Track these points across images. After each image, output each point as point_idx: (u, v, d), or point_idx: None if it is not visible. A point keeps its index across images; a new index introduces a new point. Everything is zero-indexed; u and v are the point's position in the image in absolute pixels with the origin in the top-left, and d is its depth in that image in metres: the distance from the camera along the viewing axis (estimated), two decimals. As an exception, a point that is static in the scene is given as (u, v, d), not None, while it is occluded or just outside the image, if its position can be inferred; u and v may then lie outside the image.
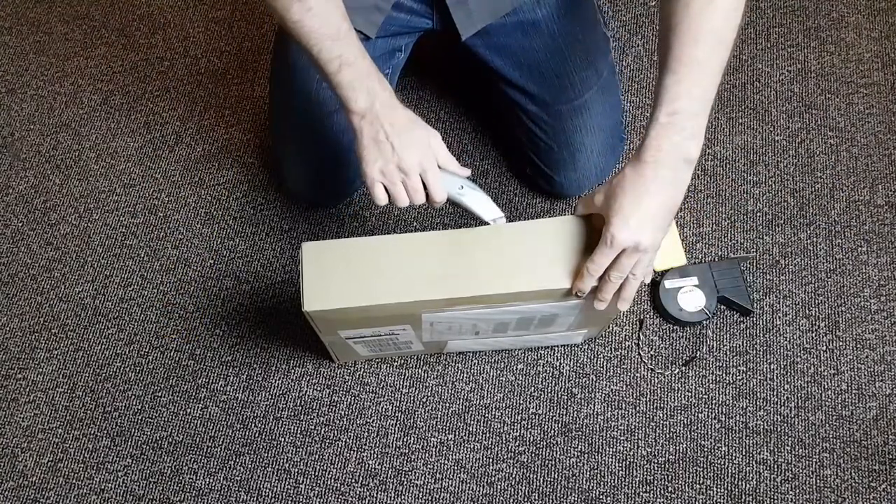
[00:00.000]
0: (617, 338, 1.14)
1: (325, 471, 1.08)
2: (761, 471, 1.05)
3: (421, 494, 1.06)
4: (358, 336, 0.95)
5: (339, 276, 0.83)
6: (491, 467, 1.07)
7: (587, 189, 1.17)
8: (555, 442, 1.08)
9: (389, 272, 0.83)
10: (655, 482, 1.05)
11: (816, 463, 1.05)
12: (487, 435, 1.09)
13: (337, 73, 0.84)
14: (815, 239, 1.18)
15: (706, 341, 1.13)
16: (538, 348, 1.12)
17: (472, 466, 1.07)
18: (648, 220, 0.76)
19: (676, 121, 0.75)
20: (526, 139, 1.16)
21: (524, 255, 0.83)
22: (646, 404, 1.09)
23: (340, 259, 0.83)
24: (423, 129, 0.87)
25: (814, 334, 1.12)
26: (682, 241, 1.19)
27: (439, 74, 1.33)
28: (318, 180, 1.15)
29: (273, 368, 1.14)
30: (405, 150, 0.84)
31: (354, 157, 1.13)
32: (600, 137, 1.11)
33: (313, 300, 0.82)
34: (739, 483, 1.05)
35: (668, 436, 1.07)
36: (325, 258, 0.83)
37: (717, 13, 0.75)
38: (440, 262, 0.83)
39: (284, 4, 0.82)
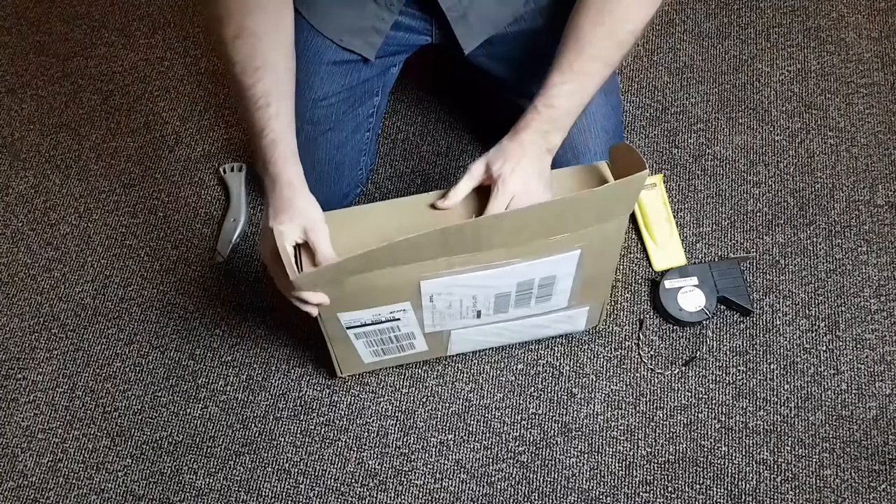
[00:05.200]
0: (617, 338, 1.14)
1: (325, 471, 1.08)
2: (761, 471, 1.05)
3: (421, 494, 1.06)
4: (358, 323, 0.95)
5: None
6: (491, 467, 1.07)
7: None
8: (555, 442, 1.08)
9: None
10: (655, 482, 1.05)
11: (816, 463, 1.05)
12: (487, 435, 1.09)
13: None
14: (814, 239, 1.18)
15: (706, 341, 1.13)
16: (538, 347, 1.12)
17: (472, 466, 1.07)
18: (522, 167, 0.88)
19: (552, 114, 0.88)
20: None
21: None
22: (646, 404, 1.09)
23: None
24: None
25: (814, 334, 1.12)
26: (682, 241, 1.19)
27: (438, 75, 1.33)
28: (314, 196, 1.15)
29: (273, 368, 1.14)
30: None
31: (348, 171, 1.14)
32: (603, 139, 1.11)
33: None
34: (739, 483, 1.05)
35: (667, 436, 1.07)
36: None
37: (615, 41, 0.89)
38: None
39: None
